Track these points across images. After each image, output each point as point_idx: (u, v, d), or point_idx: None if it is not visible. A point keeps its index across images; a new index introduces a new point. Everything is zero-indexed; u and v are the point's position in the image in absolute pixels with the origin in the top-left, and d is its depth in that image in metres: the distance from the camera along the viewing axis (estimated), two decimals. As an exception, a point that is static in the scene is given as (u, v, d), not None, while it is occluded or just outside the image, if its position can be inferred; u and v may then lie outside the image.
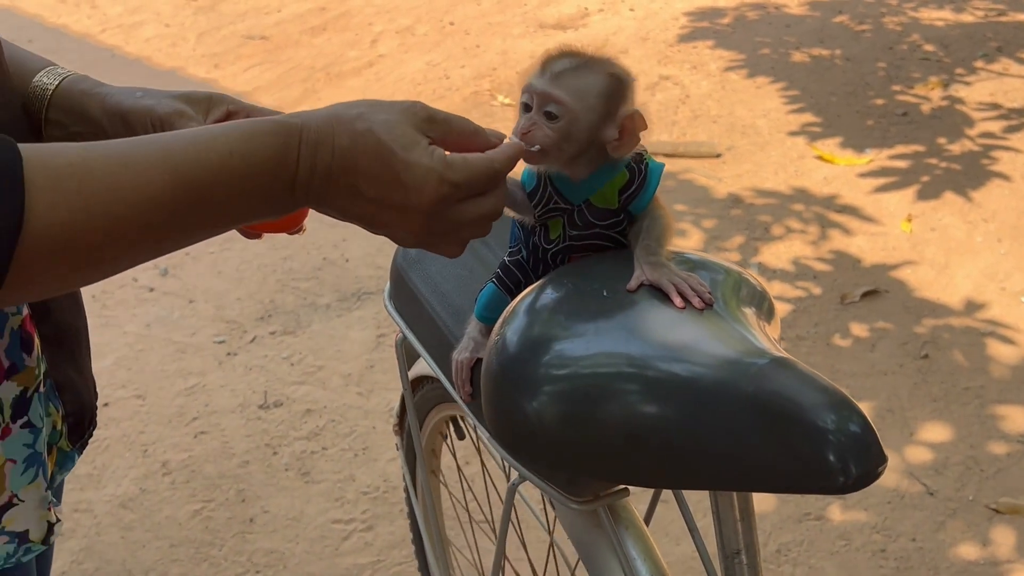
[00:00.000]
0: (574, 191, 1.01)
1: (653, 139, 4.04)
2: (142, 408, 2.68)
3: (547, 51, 1.01)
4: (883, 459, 0.78)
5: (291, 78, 4.73)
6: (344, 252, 3.34)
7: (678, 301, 0.92)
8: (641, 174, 1.03)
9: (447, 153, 0.83)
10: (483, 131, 0.88)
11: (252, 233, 1.05)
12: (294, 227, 1.03)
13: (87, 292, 3.16)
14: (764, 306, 0.98)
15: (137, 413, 2.66)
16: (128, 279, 3.22)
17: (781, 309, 2.97)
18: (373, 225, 0.84)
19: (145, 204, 0.71)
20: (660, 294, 0.93)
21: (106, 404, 2.68)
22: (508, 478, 1.32)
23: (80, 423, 1.03)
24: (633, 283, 0.95)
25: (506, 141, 0.90)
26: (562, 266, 1.02)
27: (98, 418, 2.62)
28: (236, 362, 2.84)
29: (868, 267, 3.16)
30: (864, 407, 2.61)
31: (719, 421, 0.82)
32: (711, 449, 0.83)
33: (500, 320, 0.97)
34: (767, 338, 0.90)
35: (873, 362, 2.76)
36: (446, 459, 1.70)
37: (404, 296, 1.29)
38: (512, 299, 1.03)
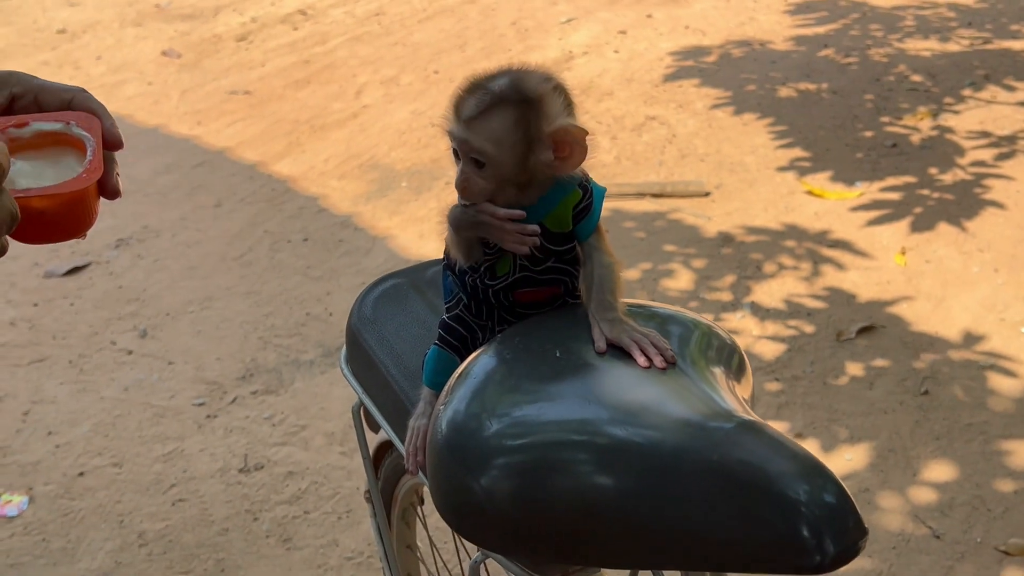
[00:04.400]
0: (526, 216, 0.94)
1: (641, 179, 3.99)
2: (119, 476, 2.59)
3: (457, 89, 0.97)
4: (863, 532, 0.70)
5: (275, 132, 4.69)
6: (328, 306, 3.27)
7: (642, 360, 0.85)
8: (588, 192, 0.97)
9: None
10: None
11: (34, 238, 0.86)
12: (79, 232, 0.85)
13: (64, 357, 3.10)
14: (734, 362, 0.90)
15: (114, 482, 2.57)
16: (107, 342, 3.15)
17: (776, 348, 2.89)
18: None
19: None
20: (618, 353, 0.86)
21: (81, 474, 2.59)
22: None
23: None
24: (600, 344, 0.88)
25: None
26: (511, 326, 0.94)
27: (74, 488, 2.50)
28: (216, 424, 2.76)
29: (863, 302, 3.08)
30: (865, 447, 2.53)
31: (682, 492, 0.74)
32: (674, 524, 0.75)
33: (445, 388, 0.89)
34: (735, 399, 0.82)
35: (872, 400, 2.68)
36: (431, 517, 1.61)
37: (360, 360, 1.22)
38: (460, 358, 0.96)
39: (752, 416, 0.77)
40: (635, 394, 0.82)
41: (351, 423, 2.72)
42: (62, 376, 3.00)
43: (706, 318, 0.97)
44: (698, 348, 0.89)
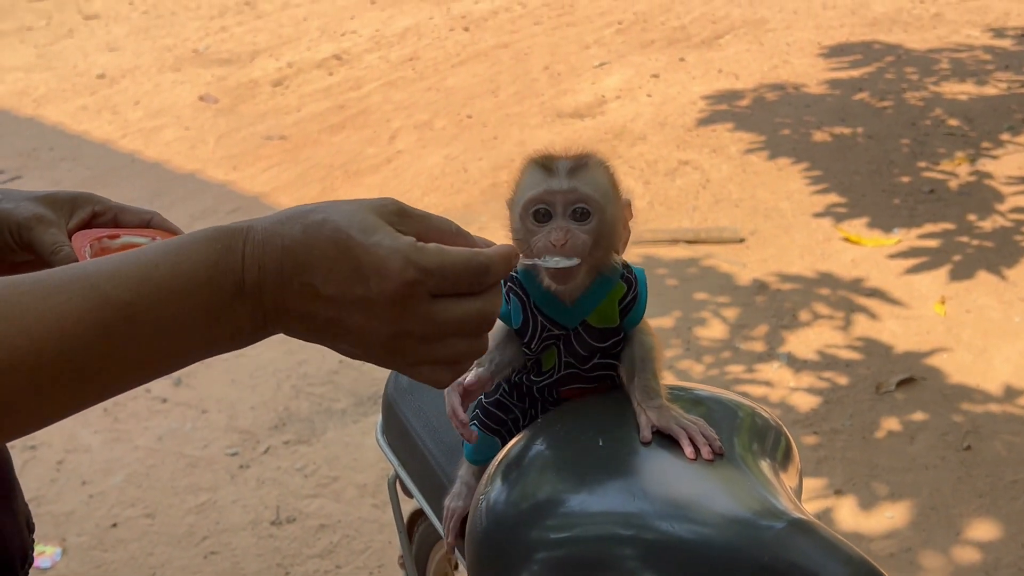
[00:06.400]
0: (567, 314, 0.92)
1: (674, 225, 3.97)
2: (151, 528, 2.58)
3: (538, 156, 0.93)
4: (922, 643, 0.67)
5: (310, 177, 4.72)
6: (361, 354, 3.26)
7: (689, 451, 0.83)
8: (634, 283, 0.94)
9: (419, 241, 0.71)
10: (468, 234, 0.75)
11: None
12: None
13: (99, 406, 3.10)
14: (780, 448, 0.88)
15: (146, 533, 2.57)
16: (141, 390, 3.16)
17: (813, 401, 2.85)
18: (337, 335, 0.71)
19: (61, 331, 0.62)
20: (663, 441, 0.84)
21: (114, 525, 2.59)
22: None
23: (10, 568, 0.92)
24: (647, 434, 0.85)
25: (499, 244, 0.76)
26: (552, 410, 0.92)
27: (107, 540, 2.50)
28: (249, 475, 2.75)
29: (902, 353, 3.03)
30: (906, 504, 2.47)
31: (732, 594, 0.72)
32: (723, 628, 0.72)
33: (485, 476, 0.88)
34: (785, 492, 0.80)
35: (913, 456, 2.62)
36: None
37: (396, 430, 1.20)
38: (499, 439, 0.94)
39: (804, 514, 0.75)
40: (683, 488, 0.80)
41: (382, 474, 2.71)
42: (96, 424, 3.01)
43: (750, 400, 0.95)
44: (745, 436, 0.87)
